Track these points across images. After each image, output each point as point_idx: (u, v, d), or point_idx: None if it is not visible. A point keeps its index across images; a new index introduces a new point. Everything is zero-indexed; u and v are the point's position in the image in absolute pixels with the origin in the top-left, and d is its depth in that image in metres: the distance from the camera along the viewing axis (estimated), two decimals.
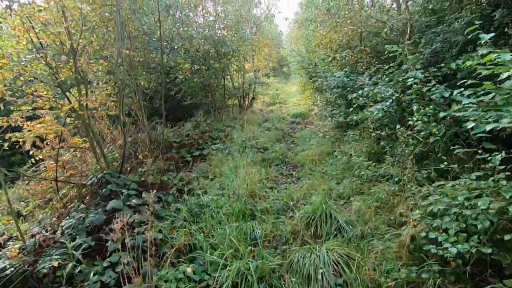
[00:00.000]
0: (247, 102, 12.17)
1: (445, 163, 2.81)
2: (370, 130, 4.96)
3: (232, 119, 9.22)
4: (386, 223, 3.12)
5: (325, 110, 7.98)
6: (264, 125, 8.62)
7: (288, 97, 15.94)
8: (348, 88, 6.38)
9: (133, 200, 3.67)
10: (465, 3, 5.28)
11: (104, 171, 4.14)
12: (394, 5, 7.47)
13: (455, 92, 2.74)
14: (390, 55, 5.05)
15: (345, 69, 6.98)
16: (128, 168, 5.55)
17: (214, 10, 8.31)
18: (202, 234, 3.13)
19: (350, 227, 3.20)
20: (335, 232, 3.16)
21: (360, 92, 4.79)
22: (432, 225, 2.47)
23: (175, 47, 7.18)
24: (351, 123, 5.99)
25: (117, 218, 3.37)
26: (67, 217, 3.56)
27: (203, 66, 7.49)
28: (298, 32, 15.94)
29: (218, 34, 7.93)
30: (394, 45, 4.74)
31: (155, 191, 3.24)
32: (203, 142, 7.20)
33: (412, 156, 3.53)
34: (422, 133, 3.50)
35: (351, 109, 6.20)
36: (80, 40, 4.52)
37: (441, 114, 2.97)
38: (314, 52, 10.71)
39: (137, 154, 5.75)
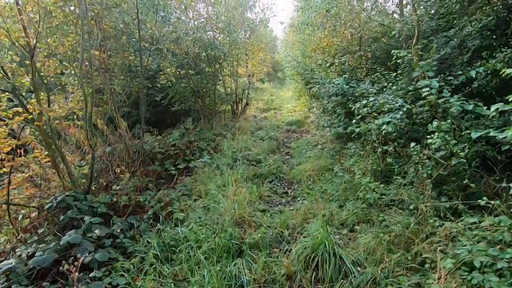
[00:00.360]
0: (240, 108, 11.59)
1: (484, 198, 2.22)
2: (374, 144, 4.40)
3: (223, 126, 8.61)
4: (403, 265, 2.52)
5: (322, 118, 7.42)
6: (258, 133, 8.02)
7: (283, 103, 15.41)
8: (349, 97, 5.85)
9: (96, 231, 3.02)
10: (477, 6, 4.80)
11: (66, 193, 3.48)
12: (396, 9, 6.99)
13: (493, 107, 2.17)
14: (397, 61, 4.53)
15: (344, 75, 6.45)
16: (104, 183, 4.88)
17: (206, 12, 7.73)
18: (175, 281, 2.49)
19: (358, 269, 2.60)
20: (341, 276, 2.55)
21: (364, 102, 4.22)
22: (471, 281, 1.88)
23: (164, 49, 6.58)
24: (352, 135, 5.43)
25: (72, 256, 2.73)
26: (12, 252, 2.89)
27: (190, 71, 6.88)
28: (294, 37, 15.46)
29: (208, 36, 7.34)
30: (401, 50, 4.21)
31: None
32: (190, 153, 6.57)
33: (429, 180, 2.95)
34: (441, 153, 2.93)
35: (353, 120, 5.68)
36: (48, 40, 3.90)
37: (473, 135, 2.40)
38: (310, 57, 10.20)
39: (114, 167, 5.10)
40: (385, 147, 3.90)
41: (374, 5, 6.55)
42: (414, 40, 4.78)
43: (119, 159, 5.00)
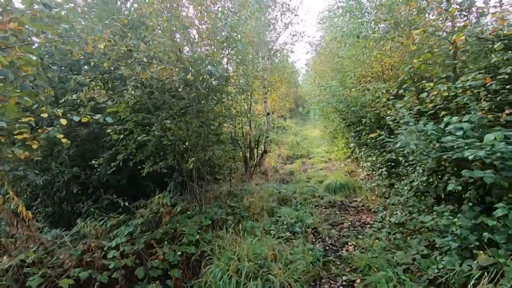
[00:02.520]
0: (256, 157, 8.17)
1: None
2: None
3: (225, 197, 5.12)
4: None
5: (412, 204, 3.76)
6: (281, 214, 4.42)
7: (312, 146, 11.87)
8: None
9: None
10: None
11: None
12: None
13: None
14: None
15: (469, 115, 2.90)
16: None
17: (198, 20, 4.64)
18: None
19: None
20: None
21: None
22: None
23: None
24: None
25: None
26: None
27: (162, 112, 3.63)
28: (322, 66, 12.33)
29: (199, 53, 4.16)
30: None
31: None
32: (144, 278, 3.12)
33: None
34: None
35: None
36: None
37: None
38: (357, 88, 6.79)
39: None
40: None
41: None
42: None
43: None
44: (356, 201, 5.25)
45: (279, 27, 8.73)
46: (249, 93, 7.30)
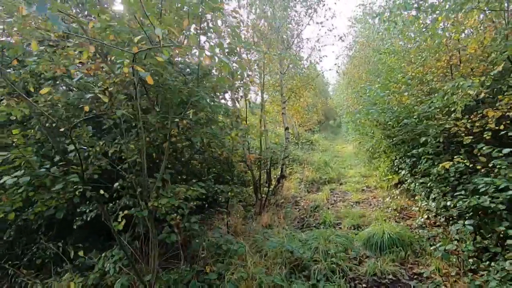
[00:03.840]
0: (272, 183, 6.26)
1: None
2: None
3: (207, 255, 3.29)
4: None
5: None
6: None
7: (343, 167, 9.64)
8: None
9: None
10: None
11: None
12: None
13: None
14: None
15: None
16: None
17: None
18: None
19: None
20: None
21: None
22: None
23: None
24: None
25: None
26: None
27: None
28: (358, 69, 10.23)
29: None
30: None
31: None
32: None
33: None
34: None
35: None
36: None
37: None
38: (411, 92, 4.70)
39: None
40: None
41: None
42: None
43: None
44: (420, 274, 3.10)
45: (301, 19, 6.93)
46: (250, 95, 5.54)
